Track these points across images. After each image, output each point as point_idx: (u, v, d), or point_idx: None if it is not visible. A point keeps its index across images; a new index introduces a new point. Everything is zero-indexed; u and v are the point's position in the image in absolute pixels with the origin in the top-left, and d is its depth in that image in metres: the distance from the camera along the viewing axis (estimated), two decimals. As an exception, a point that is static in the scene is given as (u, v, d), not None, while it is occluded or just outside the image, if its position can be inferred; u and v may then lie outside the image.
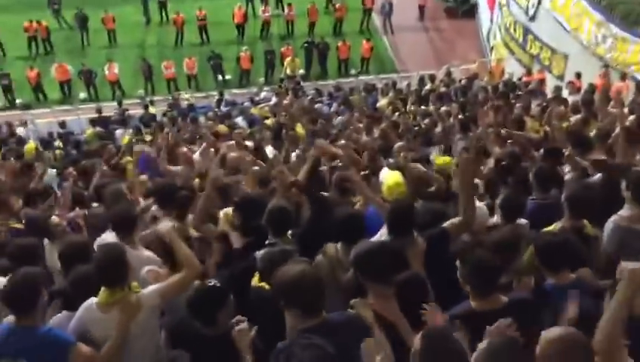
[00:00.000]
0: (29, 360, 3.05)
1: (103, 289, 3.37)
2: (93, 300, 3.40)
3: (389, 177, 5.18)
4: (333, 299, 3.85)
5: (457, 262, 3.27)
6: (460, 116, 8.74)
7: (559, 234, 3.70)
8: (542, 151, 6.12)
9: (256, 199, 4.63)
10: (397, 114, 10.83)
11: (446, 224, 3.96)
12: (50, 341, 3.15)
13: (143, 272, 3.91)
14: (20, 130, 14.08)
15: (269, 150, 8.16)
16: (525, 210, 4.50)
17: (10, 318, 3.23)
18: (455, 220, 3.99)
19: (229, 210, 4.86)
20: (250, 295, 3.63)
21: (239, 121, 12.90)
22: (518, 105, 9.53)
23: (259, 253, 3.89)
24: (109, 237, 4.45)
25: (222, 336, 3.13)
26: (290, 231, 4.25)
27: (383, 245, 3.61)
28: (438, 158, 6.40)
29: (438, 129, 8.76)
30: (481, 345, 2.48)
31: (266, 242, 4.07)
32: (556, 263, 3.47)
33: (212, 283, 3.29)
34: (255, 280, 3.72)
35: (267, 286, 3.50)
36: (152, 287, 3.49)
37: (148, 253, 4.28)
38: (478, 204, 4.36)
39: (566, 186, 4.60)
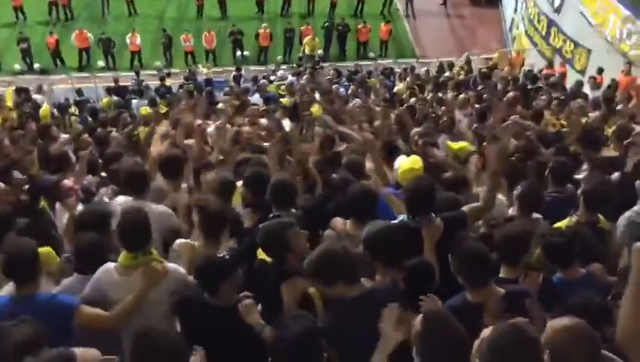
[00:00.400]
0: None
1: (124, 252, 3.39)
2: (111, 264, 3.42)
3: (404, 162, 5.14)
4: None
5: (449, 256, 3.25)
6: (476, 105, 8.66)
7: (565, 232, 3.65)
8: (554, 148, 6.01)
9: (266, 175, 4.55)
10: (414, 99, 10.74)
11: (465, 208, 3.92)
12: (53, 307, 3.16)
13: (175, 245, 3.91)
14: (37, 97, 14.12)
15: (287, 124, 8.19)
16: (543, 203, 4.46)
17: (10, 288, 3.24)
18: (474, 205, 3.98)
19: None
20: (254, 268, 3.63)
21: (255, 98, 12.85)
22: (538, 98, 9.41)
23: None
24: (121, 200, 4.48)
25: (225, 308, 3.15)
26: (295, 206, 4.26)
27: (397, 228, 3.60)
28: (453, 144, 6.35)
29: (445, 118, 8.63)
30: (485, 332, 2.45)
31: (270, 215, 4.06)
32: (562, 260, 3.50)
33: (221, 255, 3.31)
34: (259, 252, 3.71)
35: (269, 259, 3.52)
36: (180, 267, 3.53)
37: (162, 208, 4.33)
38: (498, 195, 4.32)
39: (583, 181, 4.56)
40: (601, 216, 4.08)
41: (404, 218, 3.83)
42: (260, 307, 3.15)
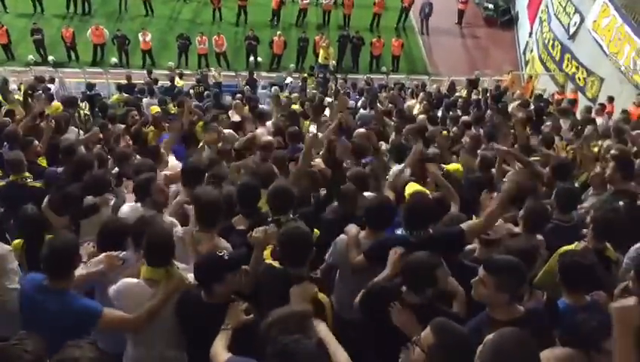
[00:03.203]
0: (59, 323, 3.13)
1: (146, 266, 3.44)
2: (133, 279, 3.47)
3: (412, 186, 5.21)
4: (345, 276, 4.19)
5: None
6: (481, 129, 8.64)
7: (587, 257, 3.60)
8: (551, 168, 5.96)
9: (254, 184, 4.67)
10: (422, 116, 10.72)
11: (464, 225, 3.94)
12: (80, 309, 3.25)
13: (179, 233, 4.05)
14: (51, 86, 14.18)
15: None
16: (546, 224, 4.45)
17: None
18: (475, 221, 4.01)
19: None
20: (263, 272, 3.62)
21: (265, 105, 12.88)
22: (548, 123, 9.38)
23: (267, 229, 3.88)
24: (126, 208, 4.59)
25: (217, 306, 3.19)
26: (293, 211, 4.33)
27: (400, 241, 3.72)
28: (449, 166, 6.41)
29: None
30: (488, 337, 2.43)
31: (269, 219, 4.12)
32: (578, 284, 3.46)
33: (221, 254, 3.30)
34: (266, 254, 3.73)
35: (276, 264, 3.54)
36: None
37: (171, 218, 4.43)
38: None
39: (593, 208, 4.51)
40: (608, 245, 4.04)
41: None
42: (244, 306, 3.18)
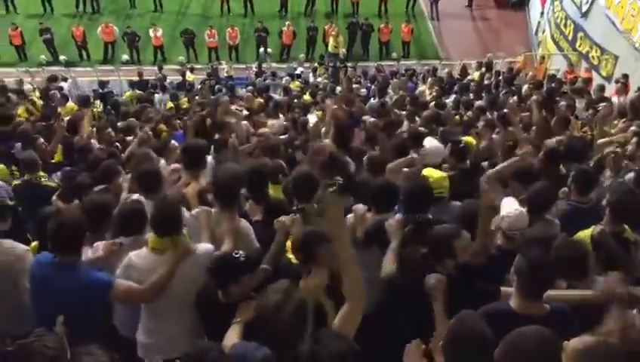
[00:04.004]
0: (72, 298, 3.16)
1: (153, 235, 3.48)
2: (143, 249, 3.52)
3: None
4: None
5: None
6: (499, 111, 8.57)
7: (579, 246, 3.58)
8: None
9: (262, 168, 4.65)
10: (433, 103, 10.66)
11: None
12: (91, 280, 3.29)
13: (193, 212, 4.06)
14: (64, 85, 14.30)
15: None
16: (551, 205, 4.40)
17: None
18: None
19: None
20: (279, 268, 3.61)
21: (277, 95, 12.89)
22: (562, 103, 9.26)
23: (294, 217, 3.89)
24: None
25: (231, 306, 3.19)
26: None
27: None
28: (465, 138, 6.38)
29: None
30: (507, 337, 2.40)
31: (293, 208, 4.10)
32: (573, 273, 3.41)
33: (237, 254, 3.25)
34: (288, 245, 3.71)
35: (295, 260, 3.52)
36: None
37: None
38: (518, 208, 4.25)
39: (609, 190, 4.46)
40: (626, 227, 4.00)
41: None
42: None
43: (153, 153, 5.80)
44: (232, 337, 3.00)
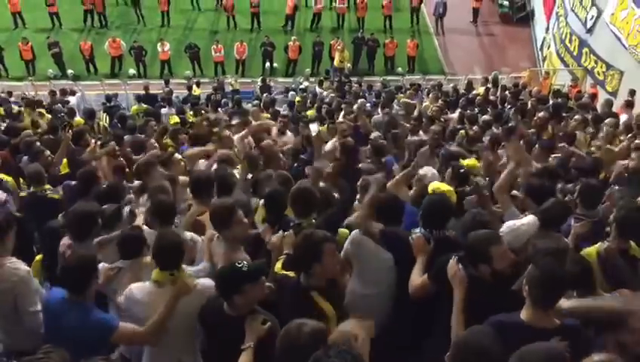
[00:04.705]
0: (78, 336, 3.19)
1: (157, 269, 3.52)
2: (146, 283, 3.56)
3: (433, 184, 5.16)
4: (361, 273, 4.05)
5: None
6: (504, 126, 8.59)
7: (582, 261, 3.59)
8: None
9: (280, 192, 4.62)
10: (444, 117, 10.69)
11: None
12: (96, 322, 3.35)
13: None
14: (72, 99, 14.40)
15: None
16: (564, 221, 4.40)
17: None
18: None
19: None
20: (275, 282, 3.63)
21: (282, 109, 12.94)
22: (577, 117, 9.24)
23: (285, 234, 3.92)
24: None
25: (237, 318, 3.18)
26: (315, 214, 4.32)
27: None
28: (463, 161, 6.34)
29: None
30: (516, 353, 2.39)
31: (291, 224, 4.10)
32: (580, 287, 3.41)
33: (240, 265, 3.27)
34: (278, 267, 3.75)
35: (291, 274, 3.55)
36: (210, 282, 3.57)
37: (191, 233, 4.44)
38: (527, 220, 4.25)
39: (616, 206, 4.44)
40: (632, 243, 3.97)
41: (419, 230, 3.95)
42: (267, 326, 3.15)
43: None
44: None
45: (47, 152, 6.95)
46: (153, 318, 3.35)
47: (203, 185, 5.00)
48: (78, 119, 11.65)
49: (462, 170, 5.54)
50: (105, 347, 3.45)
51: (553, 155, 6.96)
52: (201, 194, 4.95)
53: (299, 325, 2.63)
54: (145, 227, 4.46)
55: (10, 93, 14.99)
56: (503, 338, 2.50)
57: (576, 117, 9.09)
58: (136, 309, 3.46)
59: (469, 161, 6.44)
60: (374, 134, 8.37)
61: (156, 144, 7.90)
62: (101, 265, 3.82)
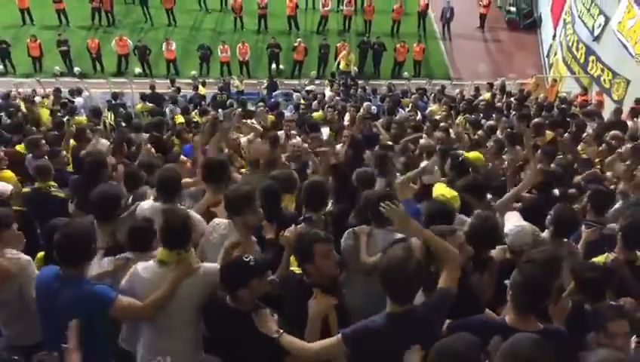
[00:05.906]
0: (74, 311, 3.11)
1: (162, 249, 3.45)
2: (150, 262, 3.50)
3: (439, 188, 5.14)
4: (354, 274, 4.06)
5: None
6: (507, 130, 8.58)
7: (598, 267, 3.61)
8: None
9: (274, 187, 4.57)
10: (449, 122, 10.66)
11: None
12: (93, 295, 3.26)
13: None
14: (78, 100, 14.42)
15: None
16: (574, 230, 4.40)
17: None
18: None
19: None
20: (281, 277, 3.61)
21: (287, 111, 12.94)
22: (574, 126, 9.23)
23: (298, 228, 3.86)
24: (147, 204, 4.54)
25: (242, 313, 3.17)
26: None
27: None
28: (469, 154, 6.32)
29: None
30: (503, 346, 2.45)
31: (301, 217, 4.14)
32: (595, 293, 3.43)
33: (247, 259, 3.25)
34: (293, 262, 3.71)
35: (297, 270, 3.53)
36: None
37: (198, 217, 4.35)
38: (522, 223, 4.24)
39: (621, 216, 4.43)
40: (639, 254, 3.95)
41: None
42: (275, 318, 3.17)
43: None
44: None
45: (64, 152, 6.94)
46: (154, 294, 3.30)
47: (217, 171, 4.87)
48: (81, 118, 11.69)
49: (460, 159, 5.53)
50: (104, 323, 3.34)
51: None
52: (214, 180, 4.82)
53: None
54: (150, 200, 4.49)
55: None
56: (486, 338, 2.53)
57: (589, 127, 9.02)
58: (139, 286, 3.39)
59: (474, 154, 6.42)
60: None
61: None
62: (107, 259, 3.79)
